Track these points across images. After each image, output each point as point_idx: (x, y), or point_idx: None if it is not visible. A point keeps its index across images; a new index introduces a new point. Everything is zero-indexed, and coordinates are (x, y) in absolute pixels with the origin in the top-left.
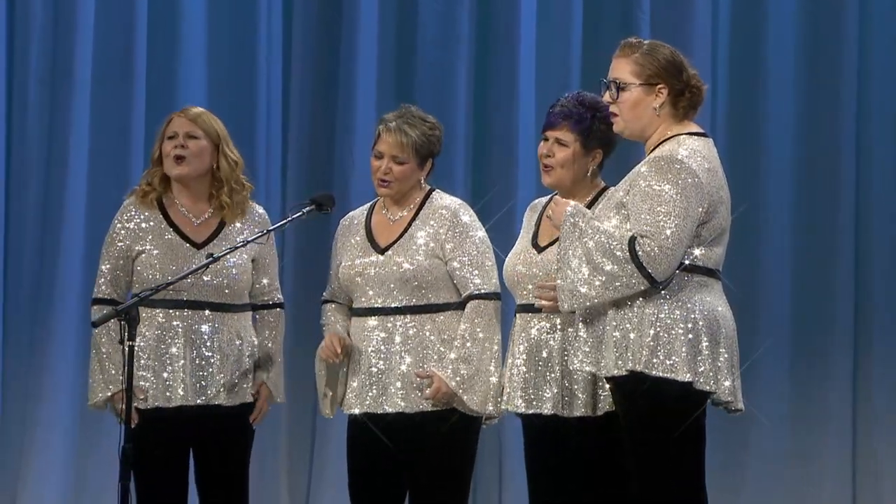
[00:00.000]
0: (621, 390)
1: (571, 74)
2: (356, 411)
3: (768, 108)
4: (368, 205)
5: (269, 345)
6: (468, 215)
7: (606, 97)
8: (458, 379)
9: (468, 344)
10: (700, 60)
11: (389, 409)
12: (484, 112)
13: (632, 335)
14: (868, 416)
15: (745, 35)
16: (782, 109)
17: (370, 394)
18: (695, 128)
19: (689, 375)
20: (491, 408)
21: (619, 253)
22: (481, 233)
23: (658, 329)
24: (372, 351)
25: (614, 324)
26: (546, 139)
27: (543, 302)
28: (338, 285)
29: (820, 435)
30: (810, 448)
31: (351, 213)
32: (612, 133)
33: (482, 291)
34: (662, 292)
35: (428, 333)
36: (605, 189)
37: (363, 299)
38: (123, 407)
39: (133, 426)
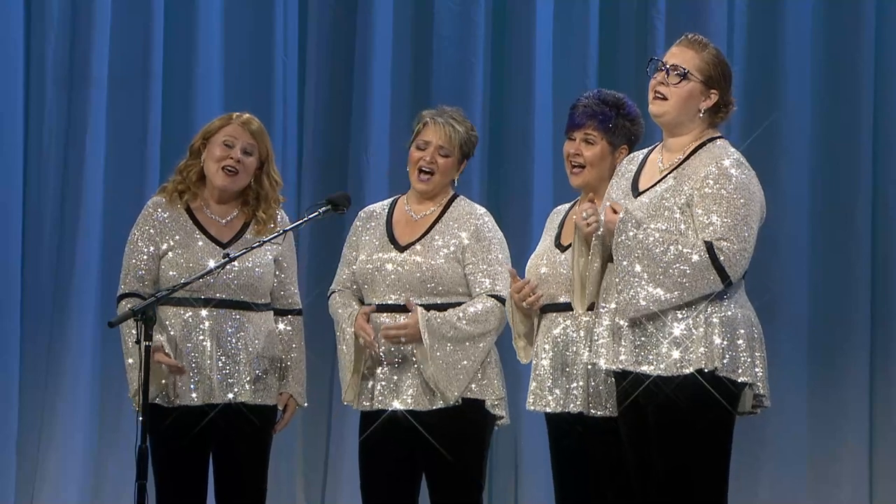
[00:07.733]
0: (672, 389)
1: (588, 73)
2: (368, 407)
3: (785, 109)
4: (389, 200)
5: (294, 354)
6: (492, 224)
7: (660, 77)
8: (431, 333)
9: (464, 321)
10: None
11: (401, 407)
12: (500, 111)
13: (698, 331)
14: (885, 416)
15: (762, 35)
16: (799, 110)
17: (383, 391)
18: (718, 134)
19: (748, 377)
20: (457, 393)
21: (696, 258)
22: (502, 244)
23: (724, 329)
24: (384, 348)
25: (675, 323)
26: (572, 139)
27: (590, 221)
28: (350, 278)
29: (837, 434)
30: (827, 448)
31: (370, 207)
32: (635, 128)
33: (493, 293)
34: (722, 293)
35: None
36: None
37: (377, 295)
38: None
39: (156, 423)
